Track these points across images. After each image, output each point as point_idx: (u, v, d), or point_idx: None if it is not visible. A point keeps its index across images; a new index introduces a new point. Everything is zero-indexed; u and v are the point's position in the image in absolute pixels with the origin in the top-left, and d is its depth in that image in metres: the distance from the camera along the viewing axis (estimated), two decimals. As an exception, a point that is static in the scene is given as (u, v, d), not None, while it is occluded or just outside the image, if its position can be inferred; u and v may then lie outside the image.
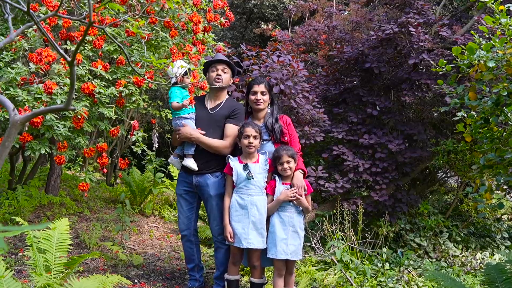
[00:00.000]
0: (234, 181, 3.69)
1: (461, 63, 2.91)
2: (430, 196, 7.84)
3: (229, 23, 5.38)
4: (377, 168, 5.91)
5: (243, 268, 4.64)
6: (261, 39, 12.97)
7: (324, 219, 5.55)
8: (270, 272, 4.43)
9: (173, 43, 4.44)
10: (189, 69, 3.90)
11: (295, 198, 3.61)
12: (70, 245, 5.01)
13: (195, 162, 3.88)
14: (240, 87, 4.93)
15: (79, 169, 10.87)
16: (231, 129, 3.85)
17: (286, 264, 3.71)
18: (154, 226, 6.88)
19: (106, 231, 5.93)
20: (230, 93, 4.74)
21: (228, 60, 3.99)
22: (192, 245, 4.21)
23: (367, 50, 6.23)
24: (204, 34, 5.02)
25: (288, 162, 3.64)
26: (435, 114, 6.48)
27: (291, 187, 3.68)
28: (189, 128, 3.81)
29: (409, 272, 5.10)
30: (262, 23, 11.93)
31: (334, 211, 5.59)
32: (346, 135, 6.16)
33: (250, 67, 4.97)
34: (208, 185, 3.91)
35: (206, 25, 4.98)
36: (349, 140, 6.27)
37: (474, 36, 3.09)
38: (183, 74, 3.80)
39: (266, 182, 3.74)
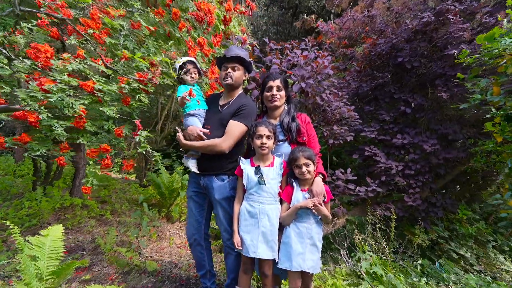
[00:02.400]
0: (245, 185, 3.34)
1: (486, 52, 2.43)
2: (488, 201, 7.12)
3: (250, 13, 5.02)
4: (411, 170, 5.41)
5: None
6: (306, 34, 12.48)
7: (354, 227, 5.08)
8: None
9: (179, 36, 4.13)
10: (192, 63, 3.61)
11: (315, 207, 3.21)
12: (84, 250, 4.94)
13: (200, 162, 3.59)
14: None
15: (118, 169, 10.81)
16: (231, 125, 3.47)
17: (302, 276, 3.31)
18: (176, 234, 6.56)
19: (125, 236, 5.70)
20: (249, 91, 4.38)
21: (238, 56, 3.57)
22: (203, 250, 3.88)
23: (400, 43, 5.71)
24: (225, 26, 4.68)
25: (306, 165, 3.25)
26: (466, 113, 5.86)
27: (310, 194, 3.28)
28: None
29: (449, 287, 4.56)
30: (305, 15, 11.46)
31: (367, 217, 5.12)
32: (378, 134, 5.67)
33: (272, 63, 4.57)
34: (213, 188, 3.56)
35: (226, 15, 4.64)
36: (380, 140, 5.78)
37: (498, 22, 2.61)
38: (179, 70, 3.54)
39: (280, 188, 3.36)
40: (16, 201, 5.78)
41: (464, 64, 3.25)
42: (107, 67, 3.56)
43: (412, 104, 5.76)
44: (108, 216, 6.29)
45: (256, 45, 4.85)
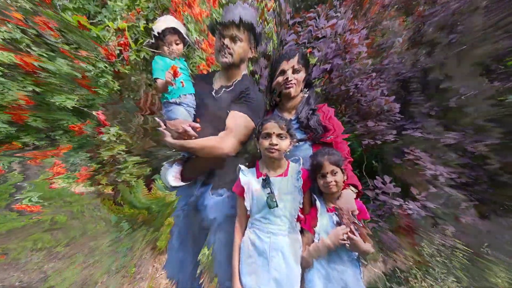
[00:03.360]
0: (248, 208, 2.29)
1: None
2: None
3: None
4: (467, 179, 4.30)
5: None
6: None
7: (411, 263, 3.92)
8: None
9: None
10: (176, 31, 2.55)
11: (348, 240, 2.16)
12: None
13: (184, 169, 2.53)
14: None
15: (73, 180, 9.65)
16: (232, 117, 2.41)
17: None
18: (162, 273, 5.03)
19: (95, 267, 4.32)
20: (257, 78, 3.35)
21: (237, 22, 2.47)
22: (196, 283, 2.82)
23: (456, 15, 4.57)
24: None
25: (333, 173, 2.23)
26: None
27: (338, 215, 2.24)
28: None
29: None
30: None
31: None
32: (423, 132, 4.56)
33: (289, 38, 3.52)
34: (206, 207, 2.51)
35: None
36: (424, 140, 4.66)
37: None
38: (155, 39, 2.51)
39: (301, 211, 2.31)
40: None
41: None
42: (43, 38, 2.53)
43: (462, 97, 4.66)
44: (77, 240, 5.05)
45: (273, 6, 3.73)
